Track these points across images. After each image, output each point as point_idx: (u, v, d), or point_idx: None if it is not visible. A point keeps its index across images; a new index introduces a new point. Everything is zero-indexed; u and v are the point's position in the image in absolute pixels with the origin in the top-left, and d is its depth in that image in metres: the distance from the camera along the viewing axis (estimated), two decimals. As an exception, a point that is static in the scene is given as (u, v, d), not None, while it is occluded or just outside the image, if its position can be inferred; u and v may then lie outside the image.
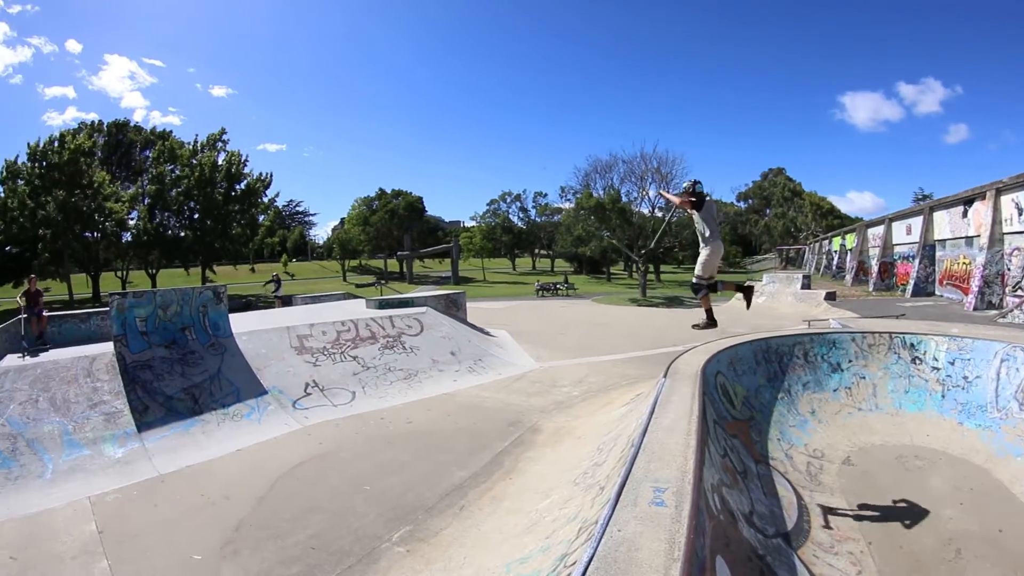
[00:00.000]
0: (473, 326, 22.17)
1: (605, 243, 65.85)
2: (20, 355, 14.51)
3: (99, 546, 7.77)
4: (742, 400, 11.27)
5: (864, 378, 13.35)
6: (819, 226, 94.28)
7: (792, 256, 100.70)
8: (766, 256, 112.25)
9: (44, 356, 13.90)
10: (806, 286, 37.87)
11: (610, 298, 49.70)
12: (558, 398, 14.11)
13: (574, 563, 4.51)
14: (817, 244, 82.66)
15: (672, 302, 45.33)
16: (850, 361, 13.77)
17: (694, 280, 10.03)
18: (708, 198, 10.17)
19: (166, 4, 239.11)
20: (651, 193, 62.56)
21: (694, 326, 10.87)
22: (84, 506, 9.06)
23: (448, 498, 8.56)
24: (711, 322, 10.41)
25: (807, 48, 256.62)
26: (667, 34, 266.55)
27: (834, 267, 68.16)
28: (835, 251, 69.31)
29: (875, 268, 49.47)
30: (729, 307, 39.93)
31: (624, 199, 63.12)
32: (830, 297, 34.73)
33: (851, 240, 60.54)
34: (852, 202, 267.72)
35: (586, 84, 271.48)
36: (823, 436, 11.42)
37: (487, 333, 22.23)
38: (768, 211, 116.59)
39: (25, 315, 16.37)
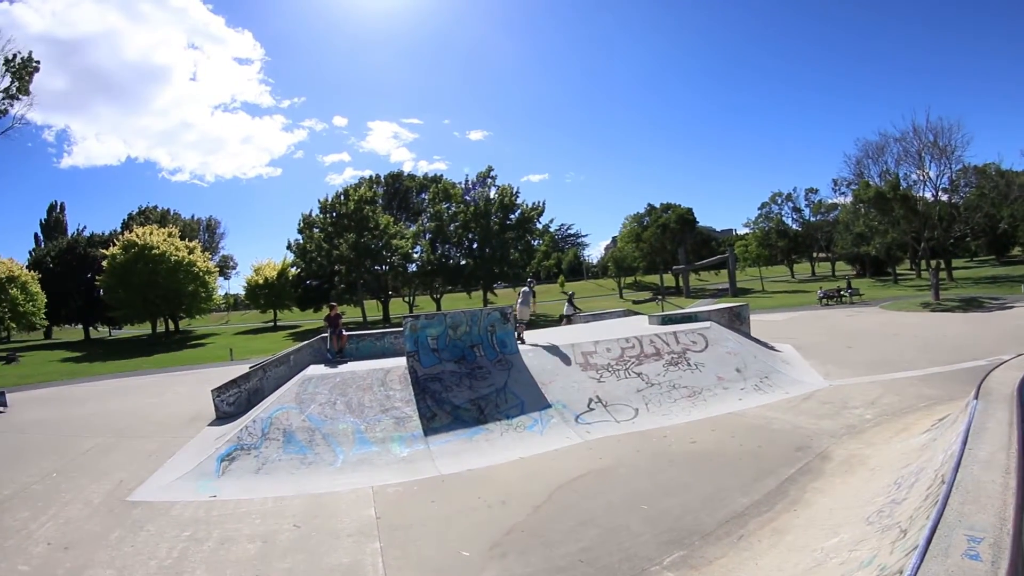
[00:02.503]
0: (757, 340, 21.25)
1: (889, 238, 60.39)
2: (324, 365, 16.63)
3: (374, 529, 8.67)
4: (1061, 428, 9.74)
5: None
6: None
7: None
8: None
9: (343, 367, 15.74)
10: None
11: (899, 303, 45.15)
12: (849, 421, 13.11)
13: (870, 617, 4.19)
14: None
15: (969, 305, 39.90)
16: None
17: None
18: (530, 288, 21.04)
19: (412, 72, 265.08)
20: (932, 173, 56.46)
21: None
22: (366, 494, 10.20)
23: (727, 525, 8.25)
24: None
25: None
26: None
27: None
28: None
29: None
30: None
31: (903, 184, 57.61)
32: None
33: None
34: None
35: (846, 60, 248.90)
36: None
37: (772, 348, 21.23)
38: None
39: (327, 334, 18.79)
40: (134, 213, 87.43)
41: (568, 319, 29.57)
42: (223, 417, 15.48)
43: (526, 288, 21.08)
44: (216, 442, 12.63)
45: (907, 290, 61.11)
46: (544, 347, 17.14)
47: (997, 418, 7.67)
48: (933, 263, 55.16)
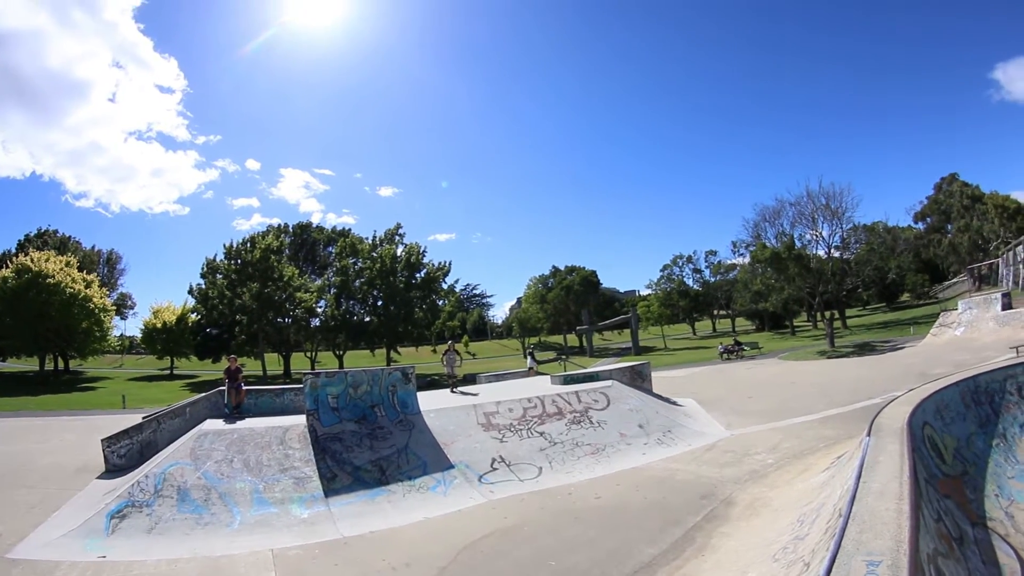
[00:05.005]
0: (660, 396, 21.64)
1: (785, 295, 63.13)
2: (222, 420, 15.92)
3: None
4: (952, 453, 10.16)
5: (1092, 408, 11.78)
6: (1008, 231, 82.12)
7: (985, 273, 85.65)
8: (956, 279, 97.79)
9: (241, 424, 15.12)
10: (1007, 306, 34.37)
11: (797, 353, 47.19)
12: (752, 467, 13.44)
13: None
14: (1010, 253, 71.29)
15: (863, 349, 42.10)
16: (1073, 390, 12.23)
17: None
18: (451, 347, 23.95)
19: (328, 122, 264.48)
20: (824, 233, 59.74)
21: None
22: (266, 557, 9.68)
23: (635, 576, 8.10)
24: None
25: (937, 35, 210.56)
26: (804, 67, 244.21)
27: (1035, 277, 59.74)
28: (1032, 257, 60.91)
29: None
30: (925, 344, 37.01)
31: (798, 244, 60.55)
32: (1036, 314, 31.22)
33: (1049, 240, 52.97)
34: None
35: (742, 130, 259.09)
36: (1049, 487, 10.09)
37: (674, 403, 21.56)
38: (949, 227, 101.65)
39: (226, 387, 18.15)
40: (32, 235, 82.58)
41: (533, 371, 30.95)
42: (113, 470, 14.44)
43: (447, 347, 24.16)
44: (105, 497, 11.81)
45: (804, 340, 63.64)
46: (445, 408, 16.97)
47: (889, 451, 7.83)
48: (828, 314, 57.89)
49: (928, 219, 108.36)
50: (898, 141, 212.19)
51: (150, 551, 9.82)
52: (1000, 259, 78.16)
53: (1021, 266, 65.59)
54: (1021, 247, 66.36)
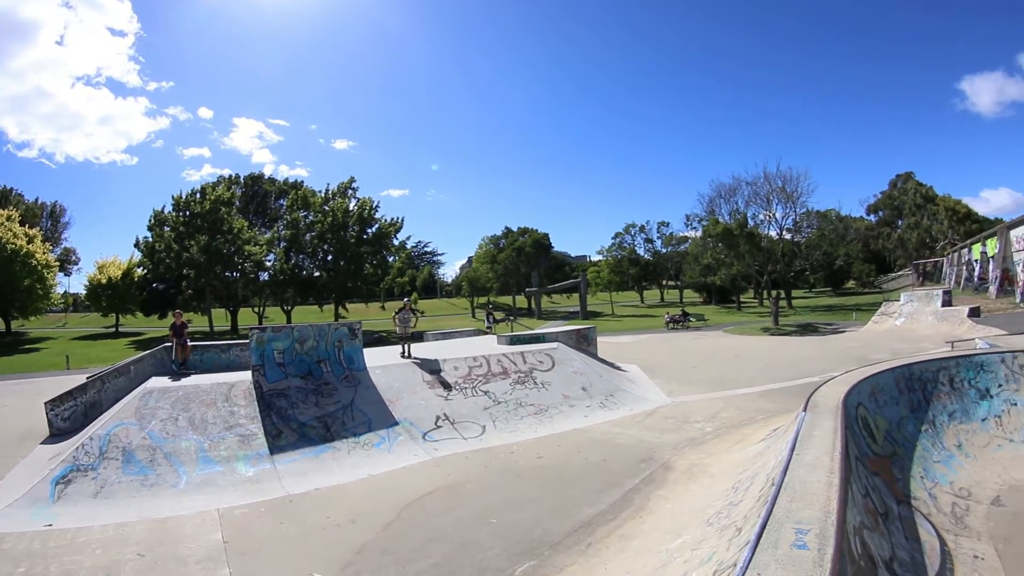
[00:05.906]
0: (604, 361, 21.91)
1: (734, 270, 64.24)
2: (167, 378, 15.50)
3: (223, 554, 8.16)
4: (884, 434, 10.47)
5: (1016, 404, 12.36)
6: (956, 233, 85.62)
7: (929, 270, 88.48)
8: (901, 273, 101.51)
9: (186, 380, 14.77)
10: (947, 303, 35.56)
11: (741, 328, 47.89)
12: (691, 434, 13.70)
13: (710, 609, 4.27)
14: (955, 254, 74.84)
15: (806, 330, 42.92)
16: (1000, 386, 12.79)
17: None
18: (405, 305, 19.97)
19: (285, 71, 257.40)
20: (778, 214, 60.86)
21: None
22: (212, 517, 9.59)
23: (575, 535, 8.33)
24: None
25: (913, 36, 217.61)
26: (776, 55, 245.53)
27: (976, 278, 60.80)
28: (975, 260, 61.50)
29: (1022, 276, 44.92)
30: (866, 331, 38.09)
31: (751, 222, 61.59)
32: (974, 313, 32.65)
33: (992, 246, 53.67)
34: (988, 202, 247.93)
35: (704, 106, 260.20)
36: (970, 472, 10.54)
37: (618, 368, 21.84)
38: (900, 222, 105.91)
39: (171, 343, 17.92)
40: (-30, 189, 78.22)
41: (491, 331, 31.67)
42: (58, 434, 14.12)
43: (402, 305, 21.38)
44: (50, 463, 11.50)
45: (750, 316, 64.76)
46: (391, 364, 16.99)
47: (823, 427, 8.08)
48: (774, 293, 58.99)
49: (880, 212, 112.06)
50: (859, 133, 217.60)
51: (96, 516, 9.62)
52: (945, 259, 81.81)
53: (963, 267, 67.89)
54: (966, 250, 68.58)
